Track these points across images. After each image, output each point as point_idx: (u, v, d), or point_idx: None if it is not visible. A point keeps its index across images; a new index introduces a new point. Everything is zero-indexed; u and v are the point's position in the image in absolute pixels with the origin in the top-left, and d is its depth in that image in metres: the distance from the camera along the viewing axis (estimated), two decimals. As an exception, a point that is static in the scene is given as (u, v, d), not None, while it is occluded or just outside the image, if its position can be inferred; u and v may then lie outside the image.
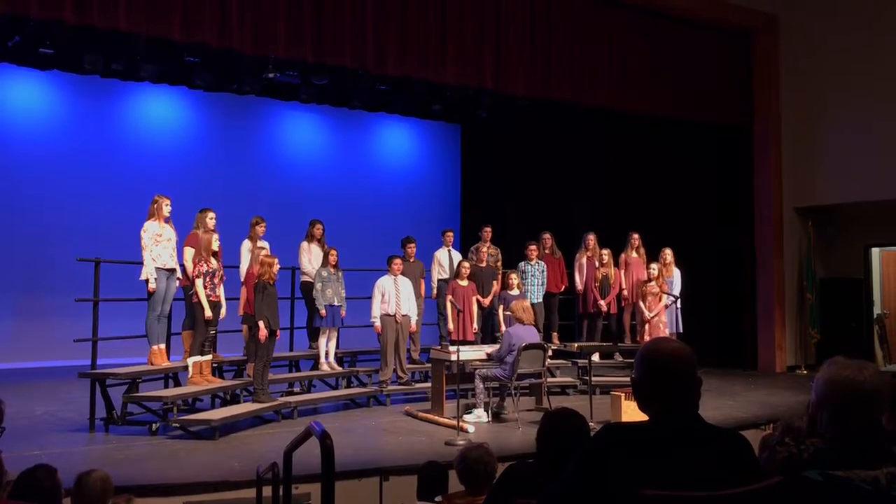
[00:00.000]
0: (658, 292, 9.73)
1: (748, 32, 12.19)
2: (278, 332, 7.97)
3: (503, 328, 9.12)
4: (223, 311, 8.08)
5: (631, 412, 7.07)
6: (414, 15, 9.16)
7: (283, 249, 8.94)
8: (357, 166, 14.54)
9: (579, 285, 10.51)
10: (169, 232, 7.90)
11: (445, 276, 10.10)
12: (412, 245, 9.80)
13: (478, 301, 9.57)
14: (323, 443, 2.98)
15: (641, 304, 9.84)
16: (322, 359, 9.01)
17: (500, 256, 10.40)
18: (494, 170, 14.60)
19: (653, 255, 10.30)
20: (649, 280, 9.84)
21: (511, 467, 3.42)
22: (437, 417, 7.91)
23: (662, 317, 9.74)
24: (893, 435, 2.24)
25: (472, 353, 8.35)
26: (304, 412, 8.20)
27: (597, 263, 10.37)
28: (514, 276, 9.60)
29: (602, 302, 10.25)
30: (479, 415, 7.89)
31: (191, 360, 7.75)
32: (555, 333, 10.50)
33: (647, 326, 9.70)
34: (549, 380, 9.12)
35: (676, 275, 10.21)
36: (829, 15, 11.80)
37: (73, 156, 11.77)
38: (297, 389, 9.03)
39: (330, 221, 9.81)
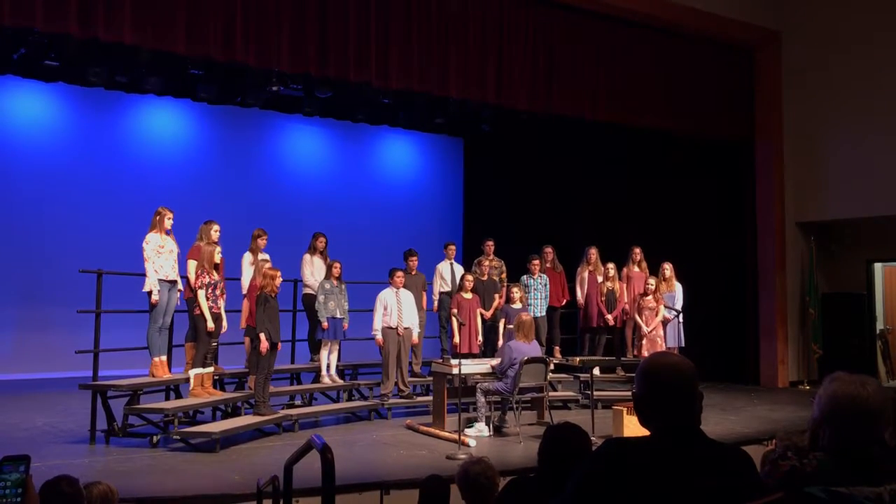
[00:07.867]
0: (655, 307, 9.73)
1: (750, 48, 12.23)
2: (279, 344, 7.96)
3: (501, 342, 9.14)
4: (224, 323, 8.08)
5: (633, 427, 7.03)
6: (417, 29, 9.20)
7: (286, 262, 8.94)
8: (360, 179, 14.56)
9: (581, 299, 10.50)
10: (171, 244, 7.91)
11: (447, 288, 10.09)
12: (414, 258, 9.80)
13: (481, 314, 9.57)
14: (324, 456, 2.97)
15: (638, 318, 9.84)
16: (323, 371, 9.00)
17: (504, 269, 10.39)
18: (497, 183, 14.61)
19: (655, 270, 10.32)
20: (645, 294, 9.84)
21: (513, 481, 3.41)
22: (438, 431, 7.89)
23: (660, 331, 9.74)
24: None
25: (473, 367, 8.32)
26: (305, 425, 8.18)
27: (600, 278, 10.35)
28: (516, 289, 9.58)
29: (609, 316, 10.22)
30: (481, 429, 7.87)
31: (192, 373, 7.74)
32: (556, 347, 10.48)
33: (644, 341, 9.70)
34: (551, 394, 9.11)
35: (678, 289, 10.20)
36: (830, 31, 11.84)
37: (76, 167, 11.80)
38: (298, 402, 9.01)
39: (332, 234, 9.82)
